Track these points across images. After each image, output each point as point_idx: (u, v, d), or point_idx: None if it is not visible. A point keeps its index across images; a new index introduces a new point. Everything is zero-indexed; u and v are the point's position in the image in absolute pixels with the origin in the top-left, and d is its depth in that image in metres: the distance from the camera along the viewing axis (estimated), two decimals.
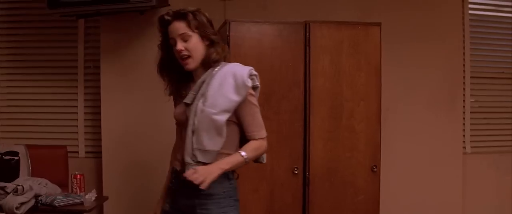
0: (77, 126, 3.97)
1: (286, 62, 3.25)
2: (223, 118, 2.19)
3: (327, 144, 3.29)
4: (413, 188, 4.07)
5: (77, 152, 3.96)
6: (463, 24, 4.23)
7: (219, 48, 2.28)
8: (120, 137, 3.76)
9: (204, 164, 2.18)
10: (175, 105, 2.37)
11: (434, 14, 4.09)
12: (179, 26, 2.22)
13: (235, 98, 2.21)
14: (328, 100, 3.30)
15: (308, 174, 3.28)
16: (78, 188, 3.27)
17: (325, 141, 3.29)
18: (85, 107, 3.97)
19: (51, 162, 3.65)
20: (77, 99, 3.97)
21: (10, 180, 3.16)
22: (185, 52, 2.22)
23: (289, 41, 3.27)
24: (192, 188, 2.13)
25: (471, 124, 4.35)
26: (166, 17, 2.23)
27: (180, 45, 2.21)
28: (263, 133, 2.29)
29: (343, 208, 3.33)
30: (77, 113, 3.97)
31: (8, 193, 3.00)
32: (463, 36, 4.23)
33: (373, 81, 3.34)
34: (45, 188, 3.18)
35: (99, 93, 3.78)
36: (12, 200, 2.94)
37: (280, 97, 3.25)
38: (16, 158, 3.39)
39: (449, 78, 4.14)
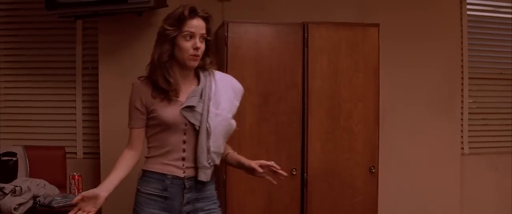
0: (75, 127, 3.97)
1: (284, 63, 3.26)
2: (235, 122, 2.34)
3: (325, 145, 3.30)
4: (411, 189, 4.07)
5: (75, 153, 3.95)
6: (461, 25, 4.23)
7: (211, 57, 2.34)
8: (118, 138, 3.72)
9: (214, 166, 2.31)
10: (156, 106, 2.24)
11: (432, 15, 4.10)
12: (203, 26, 2.25)
13: (237, 103, 2.37)
14: (326, 101, 3.30)
15: (306, 175, 3.28)
16: (76, 189, 3.26)
17: (323, 142, 3.30)
18: (83, 108, 3.96)
19: (49, 163, 3.64)
20: (75, 100, 3.96)
21: (8, 181, 3.15)
22: (200, 52, 2.24)
23: (287, 42, 3.27)
24: (197, 192, 2.26)
25: (469, 124, 4.35)
26: (201, 13, 2.24)
27: (200, 43, 2.22)
28: None
29: (341, 209, 3.34)
30: (75, 113, 3.97)
31: (6, 194, 2.99)
32: (461, 37, 4.24)
33: (371, 82, 3.35)
34: (43, 189, 3.17)
35: (97, 94, 3.77)
36: (10, 201, 2.94)
37: (278, 98, 3.25)
38: (14, 159, 3.39)
39: (447, 79, 4.15)
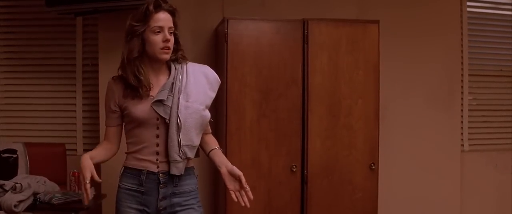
0: (75, 124, 3.97)
1: (284, 60, 3.26)
2: (208, 114, 2.30)
3: (325, 141, 3.30)
4: (411, 186, 4.07)
5: (76, 150, 3.96)
6: (461, 22, 4.23)
7: (183, 49, 2.34)
8: None
9: (188, 159, 2.28)
10: (127, 104, 2.25)
11: (433, 12, 4.09)
12: (170, 19, 2.24)
13: (212, 94, 2.33)
14: (326, 98, 3.30)
15: (306, 171, 3.29)
16: (76, 186, 3.26)
17: (323, 138, 3.30)
18: (83, 104, 3.96)
19: (50, 159, 3.64)
20: (75, 97, 3.96)
21: (8, 178, 3.15)
22: (171, 44, 2.24)
23: (287, 38, 3.27)
24: (173, 187, 2.25)
25: (469, 121, 4.35)
26: (166, 6, 2.23)
27: (169, 36, 2.22)
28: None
29: (341, 206, 3.34)
30: (75, 110, 3.97)
31: (7, 191, 3.00)
32: (461, 34, 4.23)
33: (371, 79, 3.35)
34: (43, 186, 3.18)
35: (97, 91, 3.77)
36: (10, 198, 2.94)
37: (278, 95, 3.26)
38: (14, 156, 3.38)
39: (447, 76, 4.15)
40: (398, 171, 4.01)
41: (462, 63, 4.26)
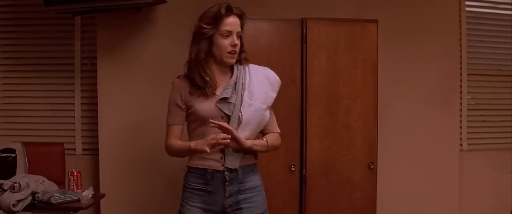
0: (74, 123, 3.97)
1: (283, 59, 3.26)
2: (268, 114, 2.42)
3: (323, 141, 3.30)
4: (410, 185, 4.07)
5: (74, 149, 3.96)
6: (460, 22, 4.23)
7: (246, 51, 2.43)
8: (117, 134, 3.76)
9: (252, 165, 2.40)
10: (193, 102, 2.33)
11: (431, 12, 4.09)
12: (238, 23, 2.33)
13: (273, 95, 2.44)
14: (325, 97, 3.30)
15: (305, 171, 3.29)
16: (75, 185, 3.26)
17: (321, 138, 3.30)
18: (82, 104, 3.96)
19: (48, 159, 3.65)
20: (74, 97, 3.96)
21: (7, 177, 3.15)
22: (237, 48, 2.33)
23: (286, 38, 3.27)
24: (239, 184, 2.32)
25: (468, 121, 4.35)
26: (236, 11, 2.32)
27: (237, 40, 2.31)
28: (278, 129, 2.54)
29: (339, 205, 3.34)
30: (74, 110, 3.97)
31: (5, 190, 2.99)
32: (460, 33, 4.23)
33: (370, 78, 3.35)
34: (42, 185, 3.17)
35: (96, 91, 3.77)
36: (9, 197, 2.94)
37: (276, 94, 3.25)
38: (13, 155, 3.38)
39: (446, 75, 4.15)
40: (396, 170, 4.01)
41: (460, 62, 4.26)
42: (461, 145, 4.30)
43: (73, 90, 3.96)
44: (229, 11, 2.30)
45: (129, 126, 3.74)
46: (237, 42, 2.32)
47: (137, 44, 3.74)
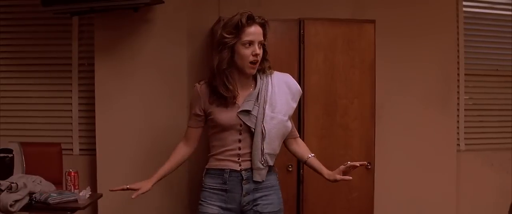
0: (71, 123, 3.97)
1: (280, 59, 3.25)
2: (290, 124, 2.46)
3: (321, 141, 3.30)
4: (407, 185, 4.08)
5: (71, 149, 3.95)
6: (457, 22, 4.23)
7: (269, 60, 2.44)
8: (114, 134, 3.76)
9: (269, 166, 2.42)
10: (213, 110, 2.36)
11: (429, 12, 4.10)
12: (260, 32, 2.33)
13: (294, 105, 2.46)
14: (322, 97, 3.30)
15: (302, 171, 3.28)
16: (72, 186, 3.25)
17: (319, 138, 3.30)
18: (79, 104, 3.96)
19: (45, 159, 3.64)
20: (71, 97, 3.96)
21: (4, 177, 3.15)
22: (259, 58, 2.33)
23: (283, 38, 3.27)
24: (256, 182, 2.38)
25: (465, 121, 4.36)
26: (258, 20, 2.32)
27: (258, 50, 2.31)
28: (297, 133, 2.65)
29: (337, 205, 3.34)
30: (71, 110, 3.96)
31: (2, 191, 2.99)
32: (457, 33, 4.24)
33: (367, 78, 3.35)
34: (39, 185, 3.17)
35: (93, 91, 3.77)
36: (6, 198, 2.93)
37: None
38: (10, 155, 3.38)
39: (443, 75, 4.15)
40: (394, 170, 4.02)
41: (458, 62, 4.27)
42: (458, 145, 4.31)
43: (71, 91, 3.96)
44: (251, 20, 2.30)
45: (126, 126, 3.74)
46: (259, 51, 2.31)
47: (135, 44, 3.74)
